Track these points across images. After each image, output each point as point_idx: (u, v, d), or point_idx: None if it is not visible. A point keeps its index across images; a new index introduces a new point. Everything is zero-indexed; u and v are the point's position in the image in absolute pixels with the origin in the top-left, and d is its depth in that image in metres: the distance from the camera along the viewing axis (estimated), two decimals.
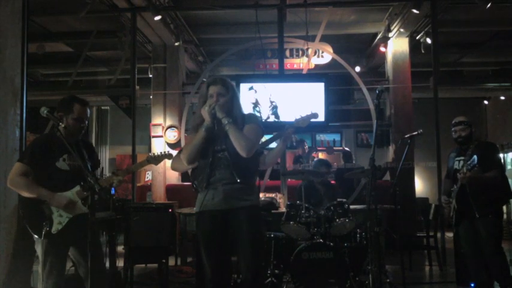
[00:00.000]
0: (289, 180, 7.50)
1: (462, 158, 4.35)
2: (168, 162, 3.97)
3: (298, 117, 3.61)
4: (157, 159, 3.64)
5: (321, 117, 7.05)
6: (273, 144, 3.88)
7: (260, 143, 3.79)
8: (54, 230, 3.22)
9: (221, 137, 3.05)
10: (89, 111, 3.48)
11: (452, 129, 4.48)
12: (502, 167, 4.50)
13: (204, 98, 3.12)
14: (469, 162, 4.05)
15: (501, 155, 8.45)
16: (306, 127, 3.49)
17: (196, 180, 3.18)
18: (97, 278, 3.17)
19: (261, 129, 3.16)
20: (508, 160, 10.14)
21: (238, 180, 2.99)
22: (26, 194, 3.24)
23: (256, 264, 3.02)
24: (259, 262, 3.11)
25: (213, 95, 3.07)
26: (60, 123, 3.22)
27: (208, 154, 3.06)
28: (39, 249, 3.27)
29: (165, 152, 3.72)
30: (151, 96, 9.20)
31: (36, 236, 3.23)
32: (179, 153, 3.93)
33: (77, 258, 3.38)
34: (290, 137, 3.64)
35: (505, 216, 7.88)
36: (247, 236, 2.99)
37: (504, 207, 7.05)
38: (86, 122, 3.45)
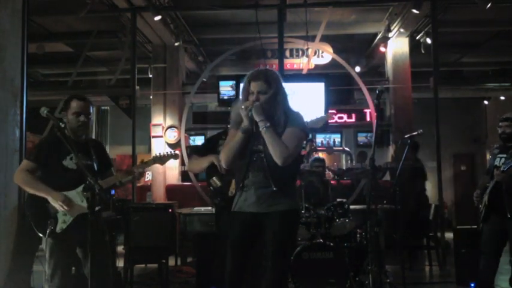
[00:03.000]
0: None
1: (504, 155, 4.28)
2: (168, 162, 3.96)
3: (313, 118, 3.57)
4: (163, 159, 3.62)
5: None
6: None
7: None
8: (58, 229, 3.23)
9: (260, 137, 2.86)
10: (91, 107, 3.48)
11: (499, 124, 4.40)
12: None
13: (246, 92, 2.91)
14: (508, 161, 3.98)
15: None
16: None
17: (219, 180, 3.06)
18: (100, 278, 3.17)
19: (304, 132, 2.91)
20: None
21: (274, 187, 2.82)
22: (27, 190, 3.31)
23: (279, 271, 2.85)
24: (283, 269, 2.91)
25: (254, 93, 2.86)
26: (61, 123, 3.22)
27: (245, 154, 2.90)
28: (46, 247, 3.29)
29: (170, 152, 3.69)
30: (151, 96, 9.20)
31: (40, 235, 3.25)
32: (192, 154, 3.91)
33: (83, 259, 3.39)
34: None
35: None
36: (275, 242, 2.84)
37: None
38: (88, 117, 3.42)
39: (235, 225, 2.95)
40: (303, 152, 9.80)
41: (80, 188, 3.29)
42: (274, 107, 2.85)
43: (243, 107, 2.82)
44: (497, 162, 4.30)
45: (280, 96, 2.88)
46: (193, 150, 3.98)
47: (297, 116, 2.94)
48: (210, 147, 3.94)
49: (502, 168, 4.03)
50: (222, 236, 3.79)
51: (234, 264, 2.90)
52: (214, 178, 3.78)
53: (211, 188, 3.87)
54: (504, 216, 4.12)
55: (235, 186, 3.02)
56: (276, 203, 2.85)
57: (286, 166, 2.80)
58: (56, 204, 3.22)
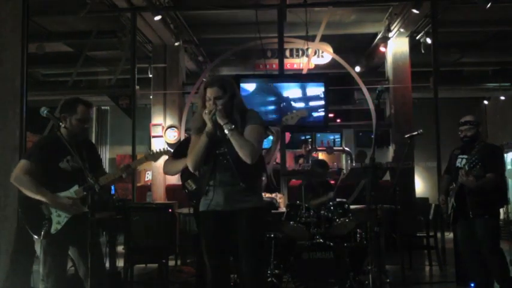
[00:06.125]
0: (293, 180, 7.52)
1: (465, 156, 4.32)
2: None
3: (287, 115, 3.66)
4: (156, 156, 3.63)
5: (321, 117, 7.12)
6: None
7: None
8: (53, 230, 3.22)
9: (222, 140, 3.02)
10: (92, 112, 3.50)
11: (459, 128, 4.44)
12: (503, 171, 4.47)
13: (203, 99, 3.08)
14: (470, 164, 4.03)
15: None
16: (296, 126, 3.50)
17: (194, 182, 3.16)
18: (97, 278, 3.17)
19: (262, 127, 3.12)
20: (508, 160, 10.14)
21: (241, 184, 2.98)
22: (28, 193, 3.24)
23: (256, 266, 3.01)
24: (259, 263, 3.09)
25: (211, 98, 3.01)
26: (61, 124, 3.22)
27: (209, 157, 3.03)
28: (38, 249, 3.27)
29: (163, 148, 3.71)
30: (151, 96, 9.20)
31: (35, 237, 3.24)
32: (170, 157, 3.96)
33: (76, 259, 3.39)
34: (279, 136, 3.66)
35: (504, 216, 7.85)
36: (248, 238, 2.98)
37: (504, 207, 7.03)
38: (89, 123, 3.48)
39: (206, 225, 3.08)
40: (301, 152, 9.85)
41: (75, 188, 3.29)
42: (231, 109, 3.03)
43: (206, 111, 2.98)
44: (459, 163, 4.35)
45: (235, 100, 3.07)
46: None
47: (253, 113, 3.14)
48: (184, 149, 3.98)
49: (465, 168, 4.06)
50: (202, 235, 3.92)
51: (214, 267, 3.02)
52: (189, 181, 3.86)
53: (187, 190, 3.92)
54: (467, 217, 4.17)
55: (202, 188, 3.10)
56: (244, 201, 3.00)
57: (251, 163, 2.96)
58: (62, 210, 3.22)
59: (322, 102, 7.09)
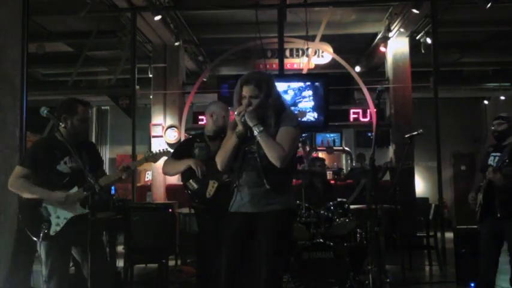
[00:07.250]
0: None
1: (498, 154, 4.25)
2: None
3: None
4: (155, 157, 3.63)
5: (321, 117, 7.14)
6: None
7: None
8: (52, 231, 3.22)
9: (253, 139, 2.90)
10: (90, 111, 3.51)
11: (492, 123, 4.37)
12: None
13: (238, 96, 2.95)
14: (498, 160, 3.98)
15: None
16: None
17: (196, 182, 3.11)
18: (101, 277, 3.17)
19: (297, 130, 2.94)
20: None
21: (267, 185, 2.86)
22: (26, 195, 3.26)
23: (273, 272, 2.88)
24: (275, 269, 2.92)
25: (246, 97, 2.90)
26: (60, 124, 3.22)
27: (238, 155, 2.95)
28: (41, 250, 3.28)
29: (163, 149, 3.70)
30: (151, 96, 9.20)
31: (35, 239, 3.24)
32: (170, 158, 3.96)
33: (80, 259, 3.39)
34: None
35: None
36: (268, 243, 2.86)
37: None
38: (88, 123, 3.49)
39: (231, 226, 2.99)
40: (299, 153, 9.86)
41: (74, 190, 3.29)
42: (265, 109, 2.90)
43: (236, 112, 2.86)
44: (491, 161, 4.30)
45: (271, 98, 2.91)
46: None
47: (290, 115, 2.99)
48: (185, 150, 4.00)
49: (494, 165, 4.01)
50: (203, 236, 3.92)
51: (230, 266, 2.92)
52: (191, 181, 3.86)
53: (189, 191, 3.92)
54: (495, 216, 4.12)
55: (231, 187, 3.04)
56: (271, 203, 2.88)
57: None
58: (59, 204, 3.22)
59: (322, 102, 7.09)
